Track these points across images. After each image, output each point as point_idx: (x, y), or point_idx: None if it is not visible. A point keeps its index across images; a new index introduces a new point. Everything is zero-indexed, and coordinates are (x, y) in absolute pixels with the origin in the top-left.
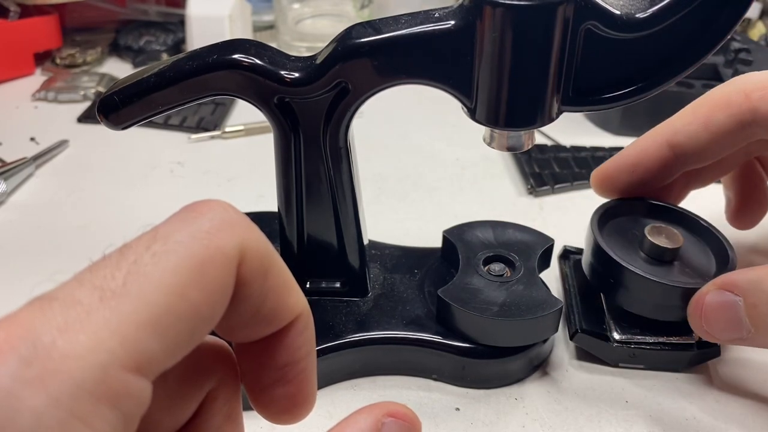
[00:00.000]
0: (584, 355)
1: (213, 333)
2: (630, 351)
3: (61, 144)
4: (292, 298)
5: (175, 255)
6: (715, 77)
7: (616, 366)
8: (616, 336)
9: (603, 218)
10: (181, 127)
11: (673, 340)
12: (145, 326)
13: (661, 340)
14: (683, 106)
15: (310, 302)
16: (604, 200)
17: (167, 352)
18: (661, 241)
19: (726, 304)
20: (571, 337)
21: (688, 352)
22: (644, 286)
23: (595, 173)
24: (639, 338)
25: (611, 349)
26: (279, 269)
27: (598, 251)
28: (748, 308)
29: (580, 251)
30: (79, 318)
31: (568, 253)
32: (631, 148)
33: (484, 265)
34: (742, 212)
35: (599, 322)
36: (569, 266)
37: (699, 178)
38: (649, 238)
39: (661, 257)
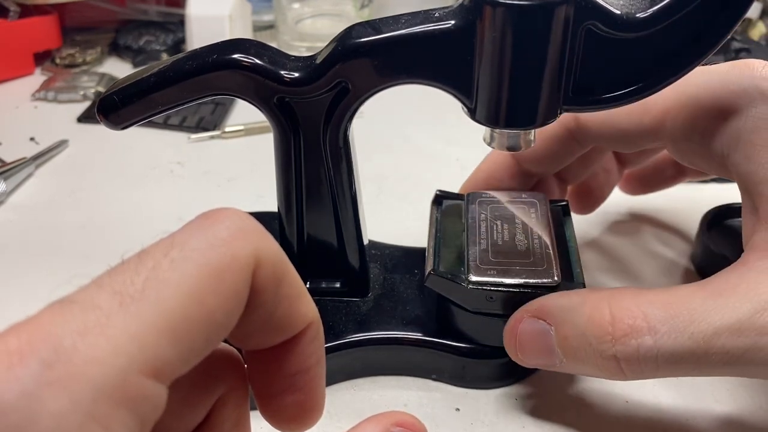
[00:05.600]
0: None
1: (224, 340)
2: (486, 294)
3: (61, 144)
4: (304, 307)
5: (192, 262)
6: None
7: (477, 313)
8: (473, 278)
9: (710, 223)
10: (180, 127)
11: (532, 282)
12: (163, 332)
13: (520, 282)
14: None
15: None
16: (612, 200)
17: (183, 357)
18: None
19: (538, 332)
20: (425, 281)
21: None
22: None
23: (461, 189)
24: (496, 280)
25: (466, 292)
26: (292, 278)
27: (706, 250)
28: (559, 339)
29: (452, 195)
30: (98, 322)
31: (440, 198)
32: (483, 163)
33: None
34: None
35: (459, 266)
36: (440, 211)
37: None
38: None
39: None
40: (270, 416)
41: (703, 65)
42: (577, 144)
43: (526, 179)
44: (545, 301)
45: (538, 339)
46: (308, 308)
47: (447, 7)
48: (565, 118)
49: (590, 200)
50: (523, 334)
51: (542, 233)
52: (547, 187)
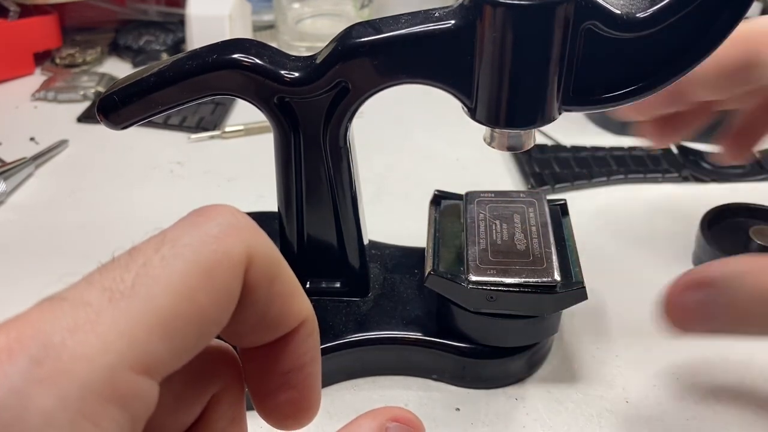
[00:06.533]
0: (584, 355)
1: (219, 337)
2: (487, 294)
3: (61, 144)
4: (298, 304)
5: (183, 258)
6: None
7: (477, 313)
8: (473, 278)
9: (710, 222)
10: (180, 127)
11: (532, 281)
12: (153, 328)
13: (519, 282)
14: None
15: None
16: (612, 200)
17: (174, 354)
18: (766, 241)
19: (703, 301)
20: (425, 281)
21: (550, 295)
22: None
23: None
24: (496, 280)
25: (466, 292)
26: (286, 275)
27: (707, 251)
28: (724, 305)
29: (451, 195)
30: (88, 319)
31: (438, 198)
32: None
33: None
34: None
35: (458, 266)
36: (438, 211)
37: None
38: (754, 239)
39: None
40: (265, 414)
41: None
42: (752, 77)
43: (688, 99)
44: (707, 268)
45: (703, 308)
46: (303, 306)
47: (447, 7)
48: (747, 44)
49: (748, 142)
50: (686, 304)
51: (541, 232)
52: (696, 117)
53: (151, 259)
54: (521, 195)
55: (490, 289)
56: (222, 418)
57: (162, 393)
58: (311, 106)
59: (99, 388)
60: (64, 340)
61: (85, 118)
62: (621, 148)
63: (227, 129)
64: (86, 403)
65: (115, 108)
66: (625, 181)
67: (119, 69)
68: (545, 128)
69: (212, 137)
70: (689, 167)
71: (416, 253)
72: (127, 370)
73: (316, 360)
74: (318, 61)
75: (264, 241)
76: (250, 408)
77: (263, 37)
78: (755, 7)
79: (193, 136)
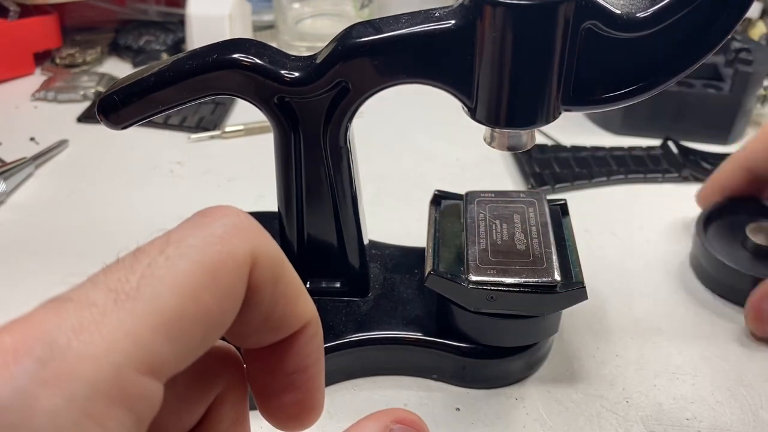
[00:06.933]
0: (584, 355)
1: (223, 338)
2: (487, 294)
3: (61, 144)
4: (302, 305)
5: (188, 259)
6: (716, 77)
7: (477, 313)
8: (473, 278)
9: (707, 221)
10: (180, 126)
11: (532, 281)
12: (158, 329)
13: (520, 281)
14: (683, 106)
15: None
16: (612, 200)
17: (179, 355)
18: (762, 240)
19: None
20: (425, 281)
21: (550, 295)
22: (744, 279)
23: (698, 194)
24: (496, 280)
25: (466, 292)
26: (290, 276)
27: (703, 251)
28: None
29: (451, 195)
30: (93, 320)
31: (438, 198)
32: (718, 174)
33: None
34: None
35: (458, 266)
36: (439, 211)
37: None
38: (751, 237)
39: (763, 254)
40: (269, 415)
41: (703, 65)
42: None
43: (760, 186)
44: None
45: None
46: (306, 307)
47: (447, 7)
48: None
49: None
50: (765, 312)
51: (541, 232)
52: None
53: (155, 260)
54: (521, 195)
55: (490, 289)
56: (225, 419)
57: (166, 394)
58: (311, 106)
59: (105, 388)
60: (70, 341)
61: (85, 118)
62: (621, 148)
63: (227, 129)
64: (92, 403)
65: (115, 108)
66: (625, 181)
67: (119, 69)
68: (545, 128)
69: (212, 137)
70: (689, 167)
71: (416, 253)
72: (133, 371)
73: (320, 361)
74: (318, 61)
75: (268, 242)
76: (252, 408)
77: (263, 37)
78: (755, 8)
79: (193, 136)
